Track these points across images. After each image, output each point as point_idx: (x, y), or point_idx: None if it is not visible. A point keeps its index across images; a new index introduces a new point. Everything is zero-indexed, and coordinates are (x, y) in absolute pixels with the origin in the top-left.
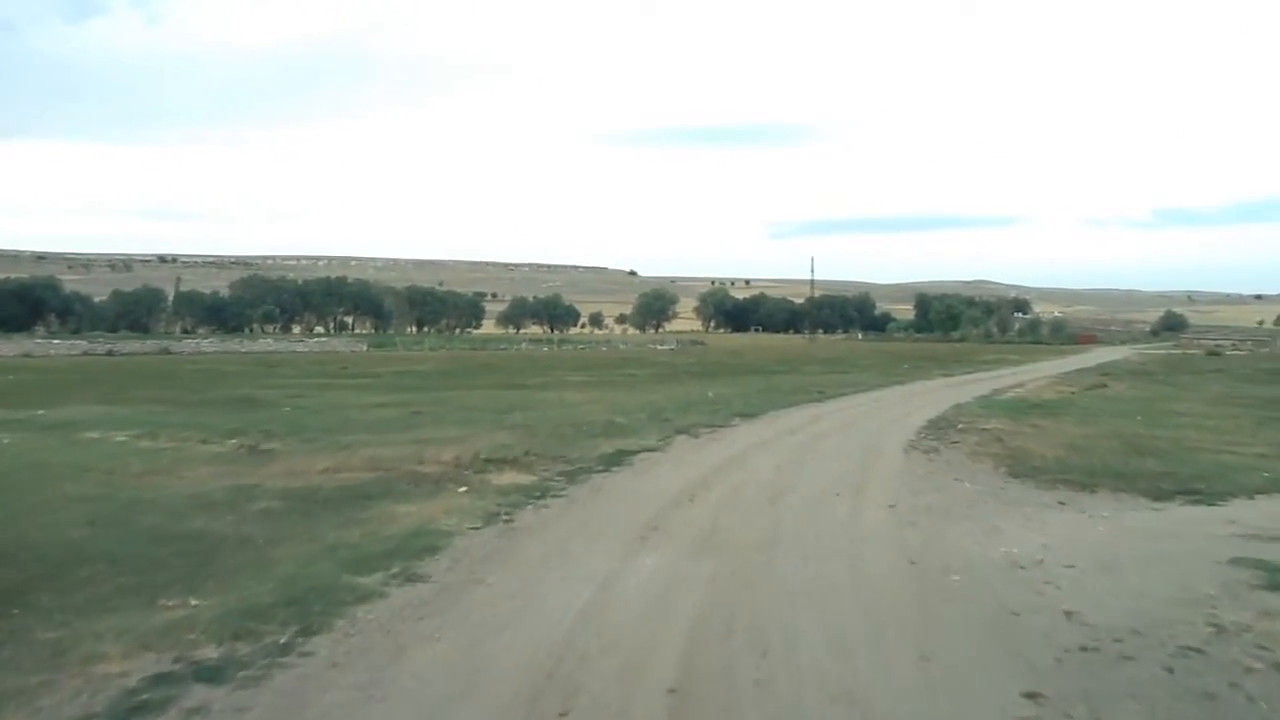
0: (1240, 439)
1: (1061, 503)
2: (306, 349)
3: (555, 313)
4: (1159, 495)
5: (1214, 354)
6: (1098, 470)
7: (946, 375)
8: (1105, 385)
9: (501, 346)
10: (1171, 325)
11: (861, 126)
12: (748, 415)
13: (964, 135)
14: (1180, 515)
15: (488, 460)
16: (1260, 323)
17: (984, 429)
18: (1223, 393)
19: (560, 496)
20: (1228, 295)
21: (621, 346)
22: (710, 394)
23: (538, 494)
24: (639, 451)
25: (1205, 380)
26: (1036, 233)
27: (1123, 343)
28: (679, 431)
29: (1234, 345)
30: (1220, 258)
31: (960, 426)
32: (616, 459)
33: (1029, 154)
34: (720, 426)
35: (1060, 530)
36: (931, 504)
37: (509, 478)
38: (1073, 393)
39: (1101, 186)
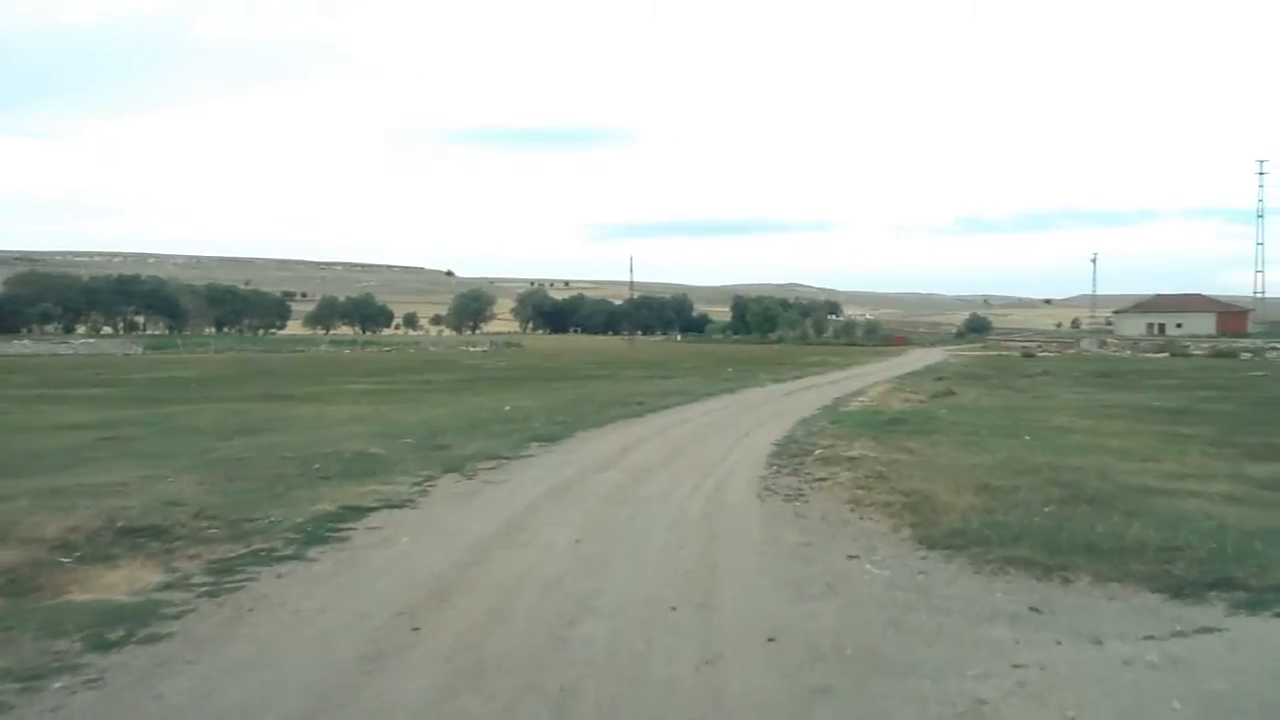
0: (1173, 466)
1: (1035, 610)
2: (71, 351)
3: (367, 313)
4: (1179, 590)
5: (1029, 355)
6: (1048, 535)
7: (776, 380)
8: (954, 393)
9: (299, 349)
10: (976, 327)
11: (681, 132)
12: (549, 439)
13: (779, 143)
14: (1263, 643)
15: (121, 532)
16: (1059, 325)
17: (850, 457)
18: (1084, 401)
19: (152, 642)
20: (1020, 299)
21: (431, 349)
22: (508, 408)
23: (122, 630)
24: (374, 509)
25: (1043, 383)
26: (847, 238)
27: (933, 344)
28: (450, 468)
29: (1040, 346)
30: (1014, 264)
31: (819, 453)
32: (330, 526)
33: (841, 162)
34: (509, 458)
35: (1095, 703)
36: (836, 632)
37: (116, 579)
38: (922, 401)
39: (907, 195)
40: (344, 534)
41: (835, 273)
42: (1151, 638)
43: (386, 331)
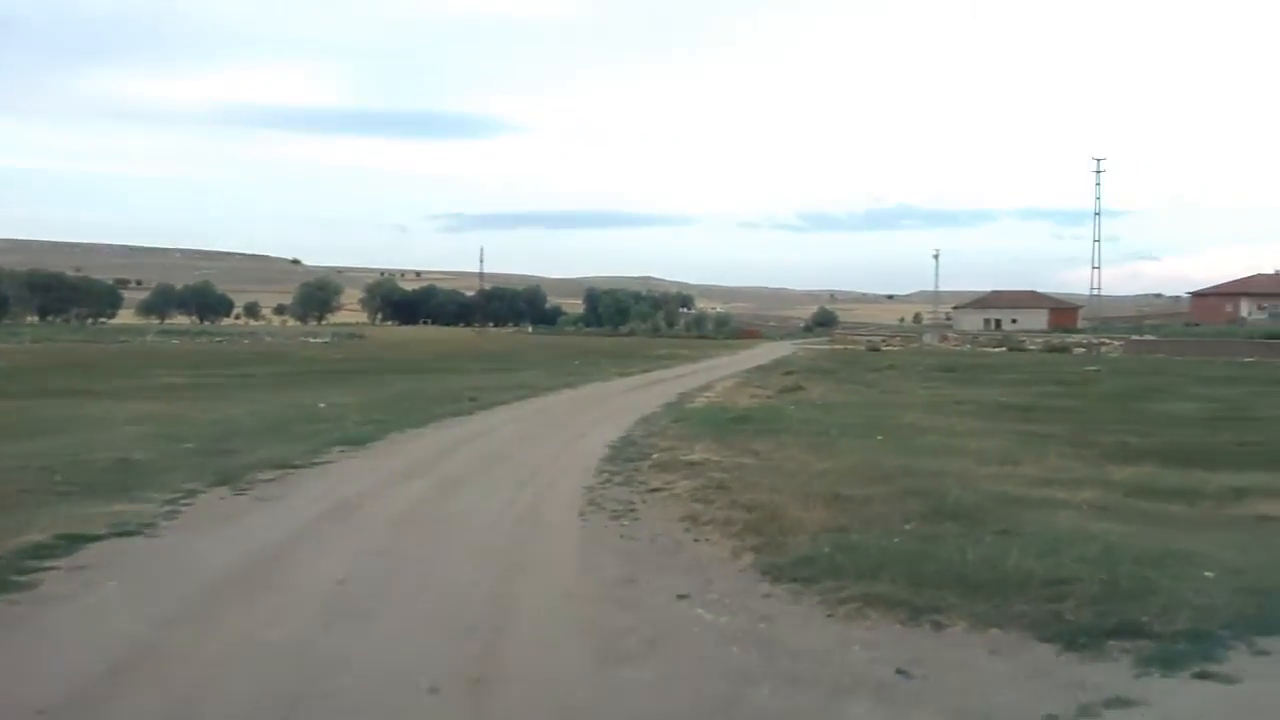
0: (1034, 470)
1: (904, 673)
2: None
3: (206, 302)
4: (1073, 639)
5: (874, 349)
6: (912, 563)
7: (622, 374)
8: (802, 388)
9: (123, 339)
10: (823, 321)
11: (537, 123)
12: (357, 442)
13: (633, 137)
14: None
15: None
16: (902, 320)
17: (691, 462)
18: (934, 396)
19: None
20: (864, 295)
21: (268, 339)
22: (322, 405)
23: None
24: (100, 537)
25: (891, 377)
26: (698, 232)
27: (782, 338)
28: (223, 479)
29: (885, 340)
30: (858, 260)
31: (656, 458)
32: (23, 565)
33: (693, 157)
34: (299, 467)
35: None
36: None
37: None
38: (770, 397)
39: (755, 192)
40: (35, 576)
41: (688, 266)
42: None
43: (227, 321)
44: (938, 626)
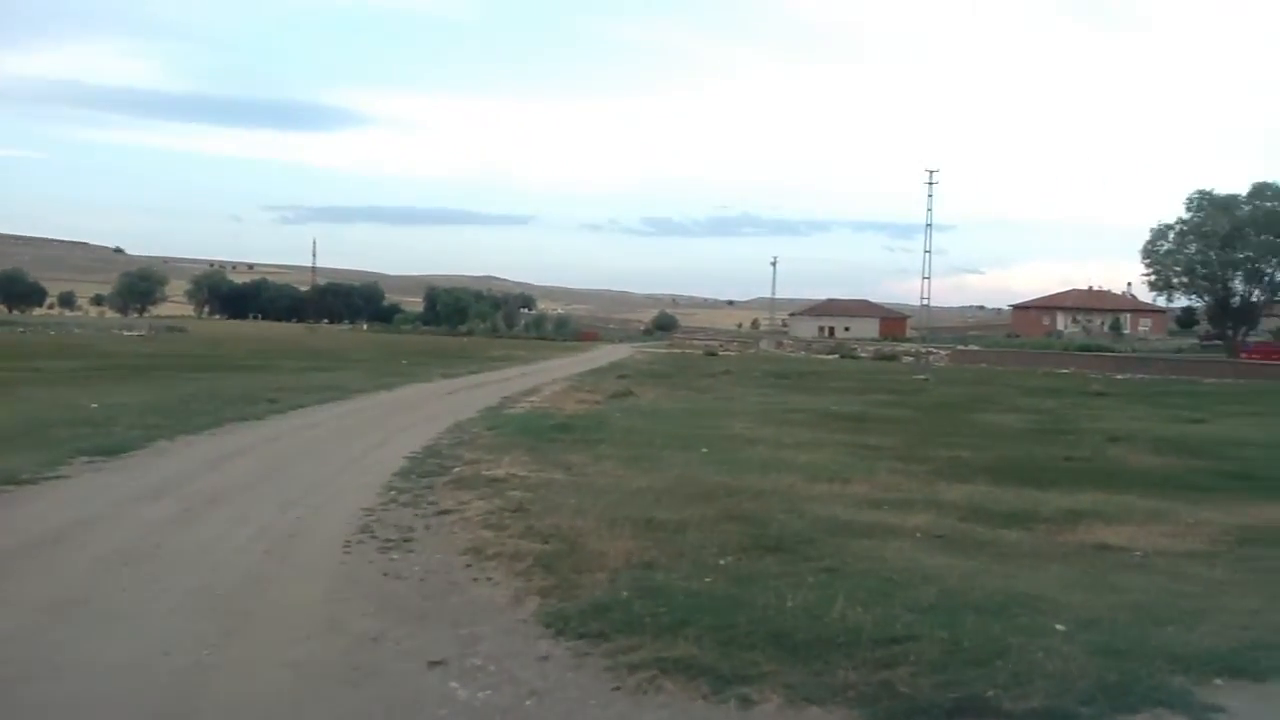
0: (864, 489)
1: None
2: None
3: (15, 290)
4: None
5: (711, 354)
6: (724, 613)
7: (448, 375)
8: (632, 393)
9: None
10: (663, 325)
11: (382, 117)
12: (114, 451)
13: (479, 135)
14: None
15: None
16: (740, 326)
17: (494, 478)
18: (765, 404)
19: None
20: (706, 300)
21: (77, 331)
22: (94, 405)
23: None
24: None
25: (725, 384)
26: (543, 234)
27: (622, 341)
28: None
29: (722, 345)
30: (700, 266)
31: (457, 471)
32: None
33: (539, 159)
34: (26, 482)
35: None
36: None
37: None
38: (598, 403)
39: (602, 194)
40: None
41: (532, 267)
42: None
43: (39, 311)
44: (746, 703)
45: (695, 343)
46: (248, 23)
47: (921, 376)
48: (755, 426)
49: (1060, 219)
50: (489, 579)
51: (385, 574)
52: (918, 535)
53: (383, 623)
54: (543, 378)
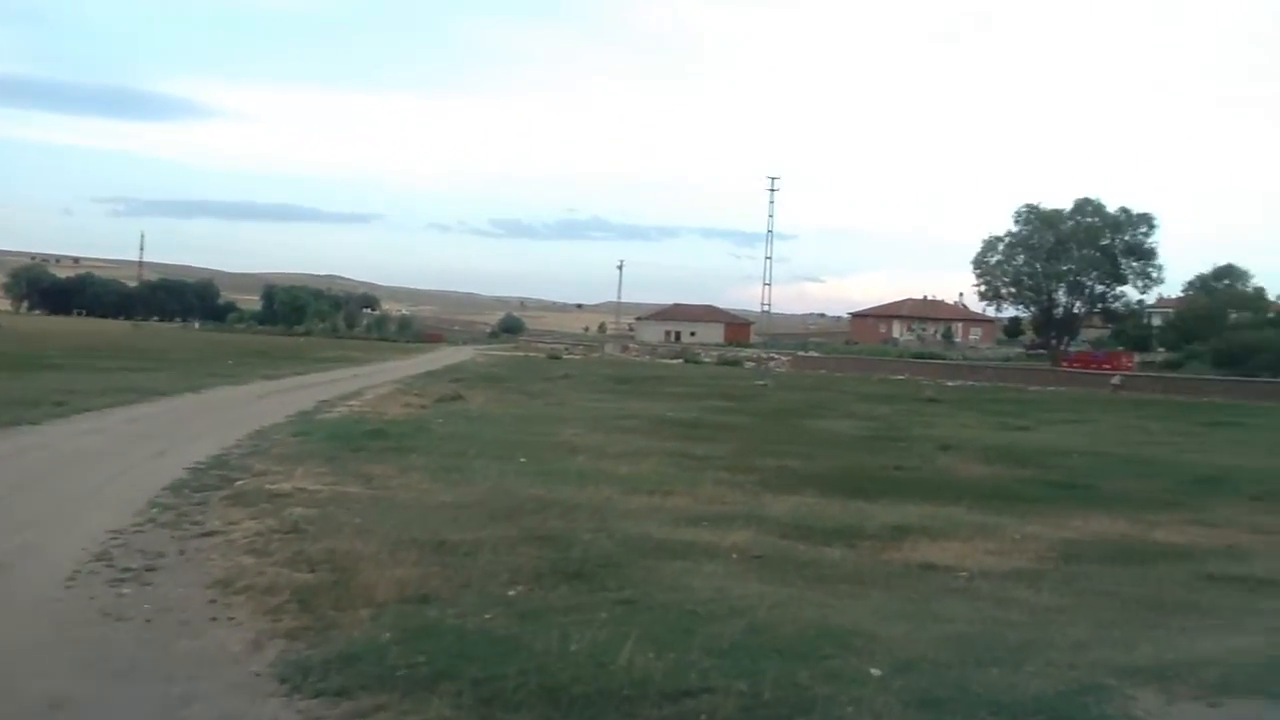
0: (685, 502)
1: None
2: None
3: None
4: None
5: (555, 358)
6: (496, 661)
7: (271, 377)
8: (461, 397)
9: None
10: (510, 328)
11: (221, 109)
12: None
13: (323, 129)
14: None
15: None
16: (587, 329)
17: (279, 492)
18: (599, 410)
19: None
20: (554, 303)
21: None
22: None
23: None
24: None
25: (563, 388)
26: (390, 233)
27: (465, 342)
28: None
29: (567, 349)
30: (549, 269)
31: (240, 485)
32: None
33: (385, 156)
34: None
35: None
36: None
37: None
38: (424, 407)
39: (451, 194)
40: None
41: (378, 267)
42: None
43: None
44: None
45: (541, 346)
46: (83, 5)
47: (761, 382)
48: (584, 433)
49: (898, 230)
50: (231, 619)
51: (106, 614)
52: (734, 556)
53: (76, 681)
54: (372, 380)
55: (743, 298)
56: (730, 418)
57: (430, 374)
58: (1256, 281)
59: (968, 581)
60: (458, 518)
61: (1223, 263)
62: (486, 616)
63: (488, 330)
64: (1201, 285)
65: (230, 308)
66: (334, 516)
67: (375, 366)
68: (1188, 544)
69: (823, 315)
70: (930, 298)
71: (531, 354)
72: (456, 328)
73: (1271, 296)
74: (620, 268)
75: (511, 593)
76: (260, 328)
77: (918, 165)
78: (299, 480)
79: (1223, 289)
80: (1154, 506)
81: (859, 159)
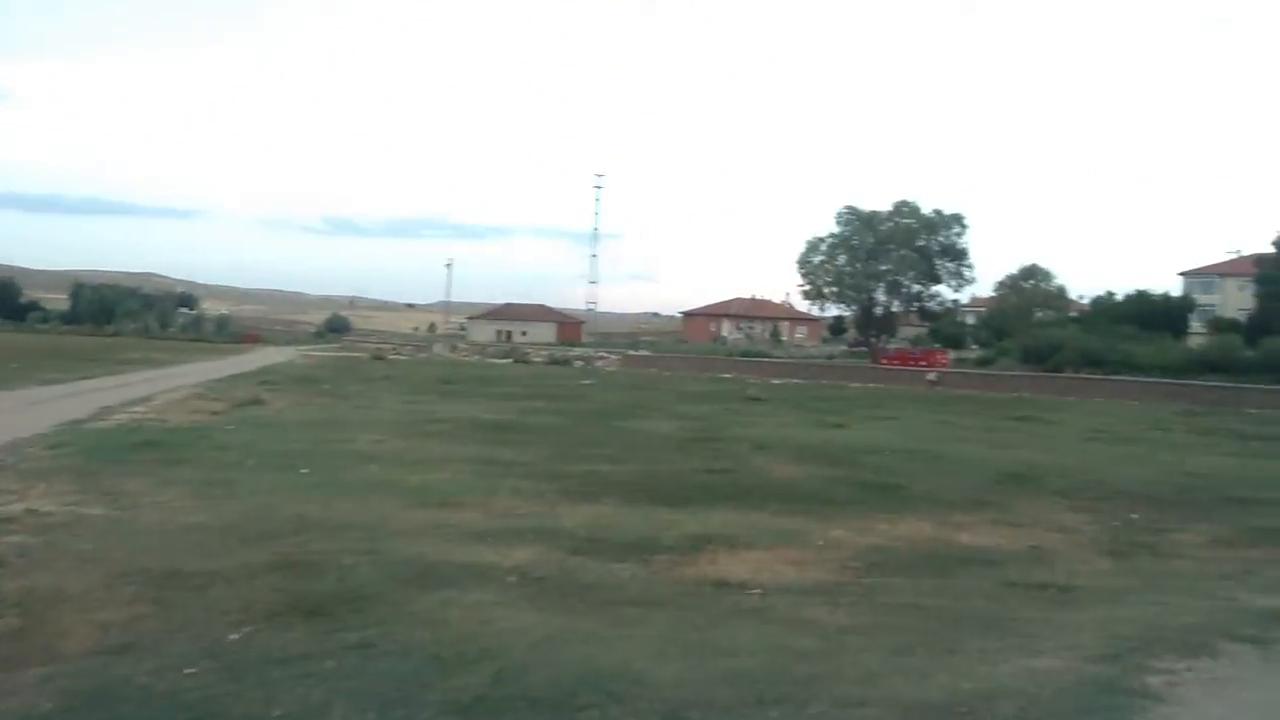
0: (474, 515)
1: None
2: None
3: None
4: None
5: (379, 358)
6: None
7: (53, 381)
8: (261, 401)
9: None
10: (336, 327)
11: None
12: None
13: (138, 118)
14: None
15: None
16: (416, 329)
17: (3, 516)
18: (409, 413)
19: None
20: (385, 302)
21: None
22: None
23: None
24: None
25: (379, 390)
26: (209, 229)
27: (288, 343)
28: None
29: (395, 349)
30: (380, 268)
31: None
32: None
33: (209, 149)
34: None
35: None
36: None
37: None
38: (217, 413)
39: (278, 190)
40: None
41: (200, 265)
42: None
43: None
44: None
45: (367, 345)
46: None
47: (587, 381)
48: (384, 439)
49: (729, 229)
50: None
51: None
52: (512, 579)
53: None
54: (170, 383)
55: (576, 297)
56: (546, 419)
57: (238, 376)
58: (1059, 281)
59: (761, 599)
60: (204, 542)
61: (1028, 262)
62: (188, 672)
63: (312, 330)
64: (1011, 285)
65: (34, 306)
66: (58, 544)
67: (178, 369)
68: (992, 546)
69: (656, 314)
70: (759, 297)
71: (355, 355)
72: (279, 327)
73: (1071, 295)
74: (449, 266)
75: (235, 636)
76: (66, 328)
77: (748, 165)
78: (34, 500)
79: (1029, 288)
80: (961, 506)
81: (691, 158)
